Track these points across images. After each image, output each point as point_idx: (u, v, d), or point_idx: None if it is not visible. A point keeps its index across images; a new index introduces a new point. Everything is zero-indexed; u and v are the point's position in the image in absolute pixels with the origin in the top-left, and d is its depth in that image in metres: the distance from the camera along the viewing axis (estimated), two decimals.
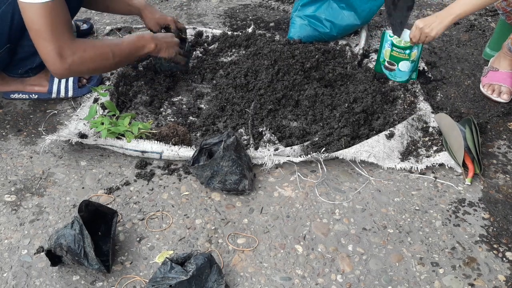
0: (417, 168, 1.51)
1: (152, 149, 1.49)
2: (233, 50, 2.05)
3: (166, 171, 1.48)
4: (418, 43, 1.75)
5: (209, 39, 2.13)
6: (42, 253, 1.21)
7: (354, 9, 2.06)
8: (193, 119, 1.68)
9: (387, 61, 1.86)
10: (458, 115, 1.72)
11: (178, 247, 1.25)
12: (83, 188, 1.42)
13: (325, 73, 1.82)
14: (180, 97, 1.79)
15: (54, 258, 1.16)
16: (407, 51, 1.80)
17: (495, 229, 1.34)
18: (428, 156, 1.56)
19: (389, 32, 1.84)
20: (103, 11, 2.17)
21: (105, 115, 1.56)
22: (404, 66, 1.83)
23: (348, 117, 1.61)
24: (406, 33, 1.80)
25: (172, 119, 1.67)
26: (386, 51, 1.85)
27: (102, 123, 1.50)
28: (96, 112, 1.54)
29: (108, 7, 1.93)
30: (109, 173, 1.47)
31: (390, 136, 1.58)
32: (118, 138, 1.52)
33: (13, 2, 1.44)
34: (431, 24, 1.66)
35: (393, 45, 1.82)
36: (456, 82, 1.96)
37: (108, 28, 2.17)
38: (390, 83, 1.89)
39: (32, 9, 1.35)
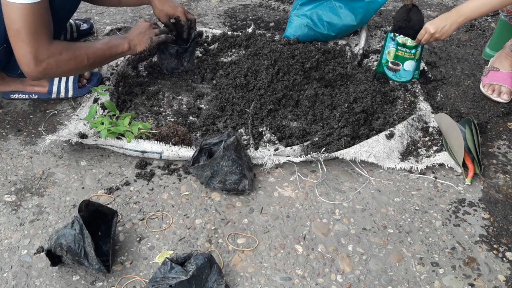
0: (417, 168, 1.51)
1: (152, 149, 1.49)
2: (233, 50, 2.05)
3: (166, 171, 1.48)
4: (426, 43, 1.76)
5: (209, 39, 2.13)
6: (42, 253, 1.21)
7: (351, 10, 2.06)
8: (193, 119, 1.68)
9: (391, 62, 1.86)
10: (458, 115, 1.72)
11: (178, 247, 1.25)
12: (83, 188, 1.42)
13: (325, 73, 1.82)
14: (180, 97, 1.79)
15: (54, 258, 1.16)
16: (413, 51, 1.80)
17: (495, 229, 1.34)
18: (428, 156, 1.56)
19: (392, 33, 1.83)
20: (115, 6, 2.17)
21: (105, 115, 1.56)
22: (409, 65, 1.83)
23: (348, 117, 1.61)
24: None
25: (172, 119, 1.67)
26: (390, 51, 1.84)
27: (102, 123, 1.50)
28: (96, 112, 1.54)
29: (120, 1, 1.93)
30: (109, 173, 1.47)
31: (390, 136, 1.58)
32: (118, 138, 1.52)
33: None
34: (441, 29, 1.67)
35: (398, 44, 1.81)
36: (456, 82, 1.96)
37: (108, 28, 2.17)
38: (390, 83, 1.88)
39: (14, 8, 1.35)
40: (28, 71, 1.45)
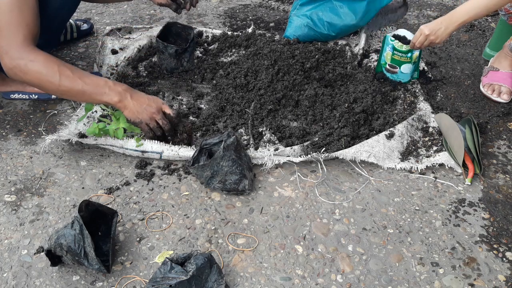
0: (417, 168, 1.51)
1: (152, 149, 1.49)
2: (233, 50, 2.05)
3: (166, 171, 1.48)
4: (421, 48, 1.74)
5: (209, 39, 2.13)
6: (42, 253, 1.21)
7: (352, 10, 2.06)
8: (193, 119, 1.68)
9: (389, 64, 1.85)
10: (458, 115, 1.72)
11: (178, 247, 1.25)
12: (83, 188, 1.42)
13: (325, 73, 1.82)
14: (180, 97, 1.79)
15: (54, 258, 1.16)
16: (409, 54, 1.79)
17: (495, 229, 1.34)
18: (428, 156, 1.56)
19: (390, 35, 1.83)
20: (108, 2, 2.17)
21: (104, 117, 1.56)
22: (406, 68, 1.83)
23: (348, 117, 1.61)
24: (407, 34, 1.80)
25: None
26: (387, 54, 1.84)
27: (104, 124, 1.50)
28: (91, 109, 1.55)
29: None
30: (109, 173, 1.47)
31: (390, 136, 1.58)
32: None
33: None
34: (436, 32, 1.64)
35: (394, 49, 1.80)
36: (456, 82, 1.96)
37: (108, 28, 2.17)
38: (389, 83, 1.88)
39: None
40: (2, 64, 1.43)
